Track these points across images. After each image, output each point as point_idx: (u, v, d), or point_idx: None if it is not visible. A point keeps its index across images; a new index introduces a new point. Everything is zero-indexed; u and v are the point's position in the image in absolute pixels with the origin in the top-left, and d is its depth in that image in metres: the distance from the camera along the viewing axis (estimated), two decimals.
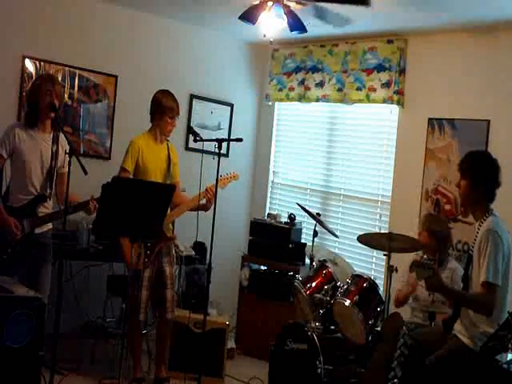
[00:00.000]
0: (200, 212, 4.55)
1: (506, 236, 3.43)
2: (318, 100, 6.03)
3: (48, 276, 4.11)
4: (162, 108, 4.55)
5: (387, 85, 5.41)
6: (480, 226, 3.48)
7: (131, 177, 4.51)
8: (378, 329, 4.32)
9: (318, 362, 4.24)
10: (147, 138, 4.62)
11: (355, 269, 5.19)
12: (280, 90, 6.43)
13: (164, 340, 4.73)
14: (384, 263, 5.16)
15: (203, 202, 4.56)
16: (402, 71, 5.39)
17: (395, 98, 5.38)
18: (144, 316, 4.53)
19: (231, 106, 6.50)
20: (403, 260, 4.39)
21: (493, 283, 3.30)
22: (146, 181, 4.43)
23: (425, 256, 4.17)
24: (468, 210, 3.64)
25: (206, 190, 4.51)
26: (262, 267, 5.97)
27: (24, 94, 5.06)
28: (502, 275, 3.35)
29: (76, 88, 5.52)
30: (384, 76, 5.44)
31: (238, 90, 6.58)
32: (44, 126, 4.06)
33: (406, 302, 4.50)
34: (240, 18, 4.40)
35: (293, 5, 4.37)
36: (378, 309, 4.38)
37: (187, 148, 6.08)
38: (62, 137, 4.08)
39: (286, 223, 5.92)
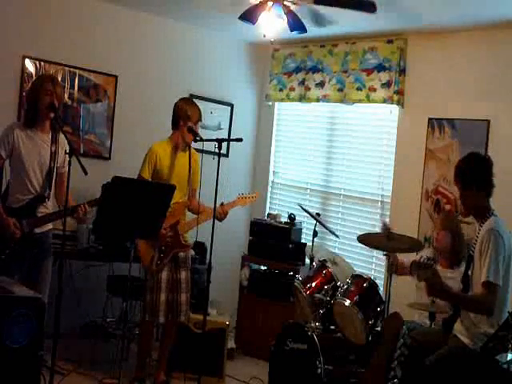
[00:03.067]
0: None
1: (507, 236, 3.43)
2: (318, 100, 6.03)
3: (48, 276, 4.11)
4: (186, 115, 4.52)
5: (387, 85, 5.41)
6: (481, 226, 3.48)
7: None
8: (378, 329, 4.33)
9: (318, 362, 4.23)
10: (167, 145, 4.57)
11: (355, 269, 5.19)
12: (280, 90, 6.43)
13: (169, 342, 4.72)
14: (384, 263, 5.16)
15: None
16: (402, 71, 5.39)
17: (395, 97, 5.38)
18: (163, 318, 4.52)
19: (231, 106, 6.50)
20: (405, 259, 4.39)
21: (493, 283, 3.30)
22: (146, 181, 4.42)
23: (424, 256, 4.16)
24: (470, 212, 3.64)
25: (222, 211, 4.49)
26: (262, 267, 5.97)
27: (24, 94, 5.06)
28: (503, 275, 3.35)
29: (76, 88, 5.51)
30: (384, 76, 5.44)
31: (238, 89, 6.58)
32: (43, 127, 4.05)
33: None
34: (240, 18, 4.40)
35: (293, 5, 4.36)
36: (378, 309, 4.38)
37: None
38: (61, 137, 4.07)
39: (286, 223, 5.92)
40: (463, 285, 3.61)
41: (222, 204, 4.56)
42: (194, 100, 6.02)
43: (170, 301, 4.53)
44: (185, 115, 4.53)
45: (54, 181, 4.09)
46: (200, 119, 4.62)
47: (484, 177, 3.52)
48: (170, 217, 4.44)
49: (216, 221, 4.16)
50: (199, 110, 4.61)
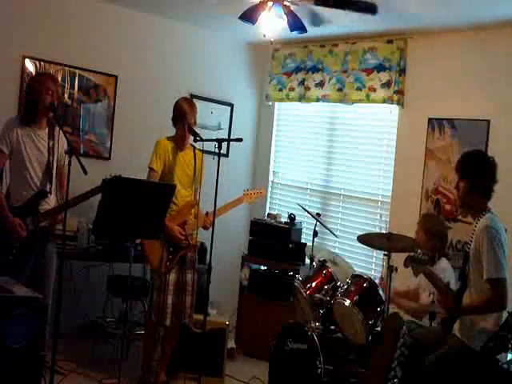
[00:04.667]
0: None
1: (503, 233, 3.43)
2: (318, 100, 6.03)
3: (53, 274, 4.12)
4: (176, 114, 4.54)
5: (387, 85, 5.41)
6: (477, 223, 3.48)
7: (158, 178, 4.46)
8: (378, 329, 4.33)
9: (318, 362, 4.24)
10: (170, 142, 4.59)
11: (355, 269, 5.19)
12: (280, 90, 6.43)
13: (171, 344, 4.71)
14: (384, 263, 5.16)
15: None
16: (401, 71, 5.39)
17: (395, 97, 5.38)
18: (170, 321, 4.50)
19: (231, 105, 6.50)
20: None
21: (495, 278, 3.29)
22: (145, 181, 4.42)
23: (419, 251, 4.17)
24: (466, 209, 3.64)
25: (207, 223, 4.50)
26: (262, 267, 5.96)
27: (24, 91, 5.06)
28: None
29: (76, 88, 5.51)
30: (384, 76, 5.44)
31: (238, 90, 6.58)
32: (41, 124, 4.09)
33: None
34: (240, 18, 4.39)
35: (293, 5, 4.36)
36: (378, 309, 4.38)
37: None
38: (60, 133, 4.10)
39: (286, 223, 5.92)
40: (461, 282, 3.60)
41: (206, 213, 4.56)
42: (194, 100, 6.07)
43: (175, 303, 4.53)
44: (181, 115, 4.52)
45: (53, 175, 4.09)
46: (191, 120, 4.56)
47: (483, 175, 3.52)
48: (177, 216, 4.45)
49: (216, 221, 4.15)
50: (193, 110, 4.58)
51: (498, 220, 3.45)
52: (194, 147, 4.61)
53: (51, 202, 4.09)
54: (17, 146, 4.00)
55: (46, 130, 4.10)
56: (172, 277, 4.50)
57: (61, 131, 4.10)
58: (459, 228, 4.73)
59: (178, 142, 4.59)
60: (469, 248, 3.52)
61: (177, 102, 4.61)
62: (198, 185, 4.63)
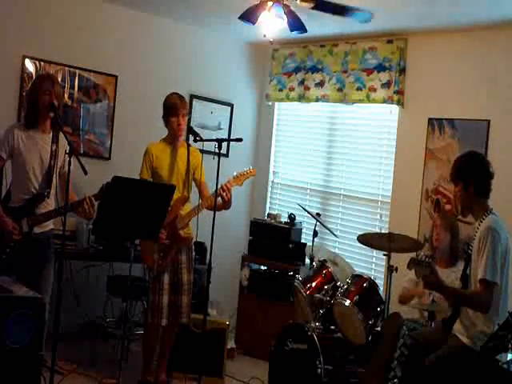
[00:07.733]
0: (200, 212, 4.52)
1: (505, 235, 3.43)
2: (317, 100, 6.03)
3: (50, 276, 4.10)
4: (166, 109, 4.53)
5: (387, 85, 5.41)
6: (479, 224, 3.48)
7: None
8: (378, 329, 4.33)
9: (318, 362, 4.24)
10: (163, 144, 4.58)
11: (355, 269, 5.20)
12: (280, 90, 6.43)
13: (169, 343, 4.71)
14: (384, 263, 5.16)
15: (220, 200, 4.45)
16: (402, 71, 5.39)
17: (395, 97, 5.38)
18: (166, 321, 4.49)
19: (231, 105, 6.50)
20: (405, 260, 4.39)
21: (490, 281, 3.31)
22: (146, 181, 4.42)
23: (422, 253, 4.18)
24: (468, 211, 3.65)
25: (222, 187, 4.36)
26: (262, 267, 5.96)
27: (24, 93, 5.06)
28: (501, 273, 3.36)
29: (76, 88, 5.51)
30: (384, 76, 5.44)
31: (238, 90, 6.58)
32: (44, 127, 4.06)
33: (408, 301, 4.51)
34: (240, 18, 4.39)
35: (293, 5, 4.36)
36: (378, 309, 4.38)
37: None
38: (62, 137, 4.08)
39: (286, 223, 5.92)
40: (462, 283, 3.61)
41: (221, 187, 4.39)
42: (194, 100, 6.08)
43: (171, 303, 4.52)
44: (168, 109, 4.53)
45: (54, 179, 4.08)
46: (183, 108, 4.53)
47: (478, 175, 3.52)
48: (170, 212, 4.44)
49: (216, 221, 4.14)
50: (182, 100, 4.55)
51: (501, 223, 3.46)
52: (189, 144, 4.61)
53: (49, 205, 4.08)
54: (17, 149, 3.98)
55: (50, 134, 4.08)
56: (166, 277, 4.48)
57: (62, 133, 4.08)
58: (460, 228, 4.72)
59: (171, 140, 4.58)
60: (471, 249, 3.52)
61: (165, 98, 4.60)
62: (197, 181, 4.64)
